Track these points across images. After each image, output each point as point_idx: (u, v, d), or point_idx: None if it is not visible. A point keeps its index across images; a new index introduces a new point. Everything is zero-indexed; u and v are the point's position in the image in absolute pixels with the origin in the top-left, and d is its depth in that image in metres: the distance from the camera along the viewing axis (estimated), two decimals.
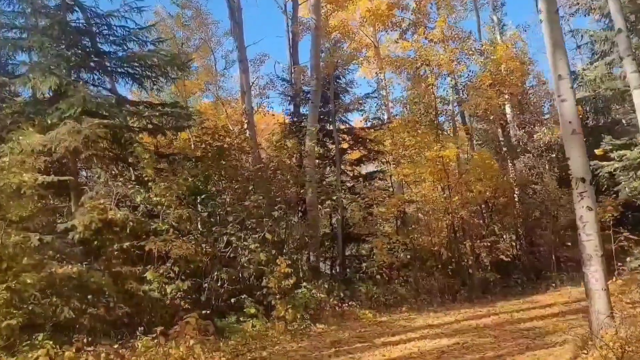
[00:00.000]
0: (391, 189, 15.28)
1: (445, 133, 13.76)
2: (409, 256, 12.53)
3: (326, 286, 10.52)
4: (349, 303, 10.47)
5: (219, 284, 8.98)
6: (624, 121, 16.61)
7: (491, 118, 15.36)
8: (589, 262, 5.87)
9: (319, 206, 12.22)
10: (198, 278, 8.79)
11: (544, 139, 14.45)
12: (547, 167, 14.94)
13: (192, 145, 11.20)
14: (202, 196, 9.48)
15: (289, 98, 16.85)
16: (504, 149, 17.01)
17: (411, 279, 12.08)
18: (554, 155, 15.12)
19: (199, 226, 9.35)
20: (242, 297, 9.18)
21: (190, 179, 9.15)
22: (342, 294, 10.96)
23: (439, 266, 12.29)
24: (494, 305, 11.25)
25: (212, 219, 9.58)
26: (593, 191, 6.00)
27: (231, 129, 11.32)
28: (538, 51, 32.91)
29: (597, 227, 5.90)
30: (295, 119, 16.06)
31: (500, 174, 14.00)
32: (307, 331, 9.04)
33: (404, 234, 12.90)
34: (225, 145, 10.44)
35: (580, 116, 15.79)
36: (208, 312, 8.33)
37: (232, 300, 9.12)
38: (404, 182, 13.33)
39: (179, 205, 8.81)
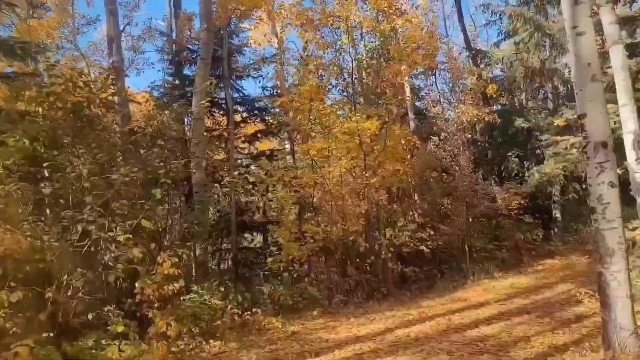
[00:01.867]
0: (296, 170, 13.29)
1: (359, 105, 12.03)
2: (317, 249, 10.65)
3: (222, 289, 8.28)
4: (252, 310, 8.34)
5: (69, 293, 6.34)
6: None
7: (407, 90, 14.00)
8: (609, 258, 4.41)
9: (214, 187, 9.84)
10: (37, 286, 6.08)
11: (463, 117, 13.42)
12: (461, 149, 13.97)
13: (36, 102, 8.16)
14: (45, 165, 6.71)
15: (169, 56, 14.12)
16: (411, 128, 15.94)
17: (323, 276, 10.25)
18: (470, 136, 14.23)
19: (39, 209, 6.61)
20: (106, 309, 6.68)
21: (26, 141, 6.37)
22: (240, 298, 8.82)
23: (357, 259, 10.62)
24: (419, 305, 9.83)
25: (61, 200, 6.86)
26: (615, 162, 4.47)
27: (93, 80, 8.50)
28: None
29: (620, 211, 4.41)
30: (178, 82, 13.42)
31: (418, 153, 12.73)
32: (199, 353, 6.88)
33: (311, 221, 11.01)
34: (83, 99, 7.66)
35: (495, 95, 15.40)
36: (52, 334, 5.86)
37: (90, 315, 6.54)
38: (312, 161, 11.41)
39: (8, 177, 6.03)
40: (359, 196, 10.83)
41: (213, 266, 12.82)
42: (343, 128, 10.40)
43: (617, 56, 6.65)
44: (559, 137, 8.52)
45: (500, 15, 17.62)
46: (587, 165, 4.50)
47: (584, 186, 16.30)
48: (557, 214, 16.37)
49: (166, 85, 13.15)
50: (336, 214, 10.90)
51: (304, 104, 10.61)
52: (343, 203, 10.83)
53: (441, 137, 14.41)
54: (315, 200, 11.61)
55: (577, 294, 9.60)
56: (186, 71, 13.78)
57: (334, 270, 10.64)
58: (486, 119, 13.65)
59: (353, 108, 11.35)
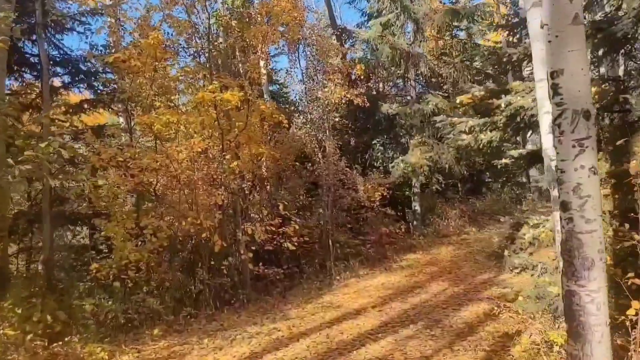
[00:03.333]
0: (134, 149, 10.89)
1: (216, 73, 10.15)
2: (160, 249, 8.62)
3: (18, 311, 5.96)
4: (69, 336, 6.16)
5: None
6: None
7: (262, 69, 12.37)
8: (586, 272, 3.28)
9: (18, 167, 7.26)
10: None
11: (331, 97, 12.21)
12: (327, 133, 12.80)
13: None
14: None
15: None
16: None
17: (168, 284, 8.29)
18: (337, 119, 13.13)
19: None
20: None
21: None
22: (50, 319, 6.53)
23: (211, 261, 8.83)
24: (285, 315, 8.41)
25: None
26: (596, 140, 3.36)
27: None
28: None
29: (601, 208, 3.34)
30: None
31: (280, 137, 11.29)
32: None
33: (153, 214, 8.95)
34: None
35: (364, 75, 14.53)
36: None
37: None
38: (156, 139, 9.29)
39: None
40: (215, 184, 9.03)
41: (21, 268, 10.14)
42: (197, 98, 8.49)
43: (537, 21, 5.77)
44: (456, 119, 7.72)
45: None
46: (559, 144, 3.34)
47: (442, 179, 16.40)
48: (416, 206, 16.11)
49: None
50: (185, 205, 8.97)
51: (147, 64, 8.45)
52: (194, 192, 8.93)
53: (307, 120, 13.12)
54: (158, 187, 9.53)
55: (455, 295, 9.14)
56: None
57: (181, 275, 8.73)
58: (355, 101, 12.65)
59: (209, 75, 9.45)
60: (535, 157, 7.80)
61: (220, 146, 9.22)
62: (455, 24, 17.57)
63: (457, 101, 7.73)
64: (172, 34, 9.82)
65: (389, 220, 14.58)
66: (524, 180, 21.97)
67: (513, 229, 7.94)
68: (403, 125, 15.35)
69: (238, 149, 9.35)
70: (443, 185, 15.76)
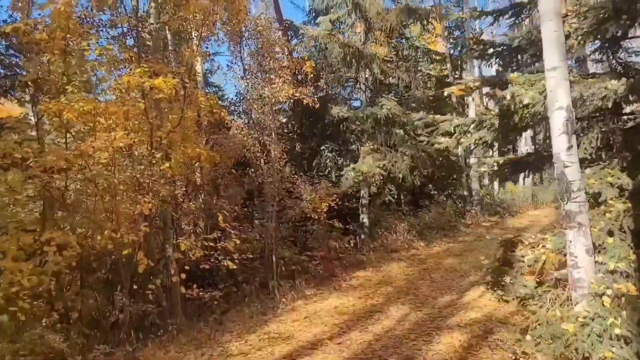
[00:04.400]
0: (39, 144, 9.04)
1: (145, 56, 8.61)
2: (67, 269, 6.97)
3: None
4: None
5: None
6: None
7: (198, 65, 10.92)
8: None
9: None
10: None
11: (278, 96, 10.92)
12: (273, 136, 11.48)
13: None
14: None
15: None
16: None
17: (76, 314, 6.65)
18: (284, 121, 11.87)
19: None
20: None
21: None
22: None
23: (134, 283, 7.27)
24: (226, 350, 7.02)
25: None
26: None
27: None
28: None
29: None
30: None
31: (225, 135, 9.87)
32: None
33: (64, 224, 7.31)
34: None
35: (313, 74, 13.34)
36: None
37: None
38: (67, 132, 7.62)
39: None
40: (141, 189, 7.49)
41: None
42: (120, 83, 6.97)
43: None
44: (439, 117, 6.68)
45: None
46: None
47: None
48: (364, 218, 15.07)
49: None
50: (103, 215, 7.36)
51: (56, 39, 6.84)
52: (115, 198, 7.34)
53: (249, 120, 11.77)
54: (69, 193, 7.86)
55: (421, 322, 8.07)
56: None
57: (95, 302, 7.12)
58: (305, 102, 11.45)
59: (137, 59, 7.91)
60: (520, 165, 6.89)
61: (149, 144, 7.70)
62: (406, 28, 16.91)
63: (445, 94, 6.70)
64: (91, 9, 8.24)
65: (336, 234, 13.46)
66: (465, 193, 21.58)
67: (506, 250, 6.95)
68: (353, 130, 14.30)
69: (171, 149, 7.85)
70: (396, 197, 14.79)
